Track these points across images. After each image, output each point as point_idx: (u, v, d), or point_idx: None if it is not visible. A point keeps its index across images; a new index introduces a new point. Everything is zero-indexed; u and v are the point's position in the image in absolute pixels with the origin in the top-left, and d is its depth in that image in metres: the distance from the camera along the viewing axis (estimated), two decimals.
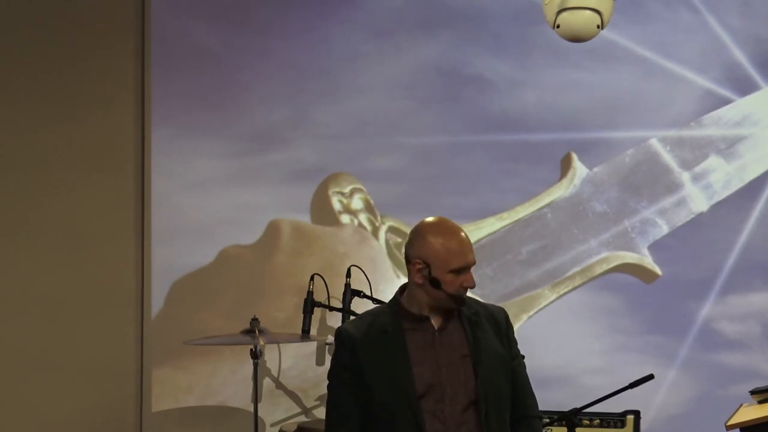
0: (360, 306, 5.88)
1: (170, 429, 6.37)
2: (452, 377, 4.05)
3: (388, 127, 6.44)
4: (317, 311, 6.10)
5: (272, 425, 6.32)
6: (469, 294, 4.15)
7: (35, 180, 6.39)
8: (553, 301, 6.40)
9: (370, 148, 6.45)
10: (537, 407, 4.19)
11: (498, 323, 4.16)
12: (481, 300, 4.31)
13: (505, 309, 4.27)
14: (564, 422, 4.49)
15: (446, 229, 4.08)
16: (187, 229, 6.40)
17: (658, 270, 6.39)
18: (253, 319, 5.90)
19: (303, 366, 6.35)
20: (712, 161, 6.41)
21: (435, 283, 4.04)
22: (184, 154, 6.42)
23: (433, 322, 4.09)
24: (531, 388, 4.20)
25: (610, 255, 6.40)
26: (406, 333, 4.07)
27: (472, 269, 4.15)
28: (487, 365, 4.06)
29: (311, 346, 6.32)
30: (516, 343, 4.21)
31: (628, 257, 6.40)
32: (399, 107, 6.45)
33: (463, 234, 4.07)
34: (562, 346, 6.34)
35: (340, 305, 6.00)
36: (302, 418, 6.28)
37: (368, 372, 4.05)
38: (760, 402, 5.30)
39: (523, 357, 4.24)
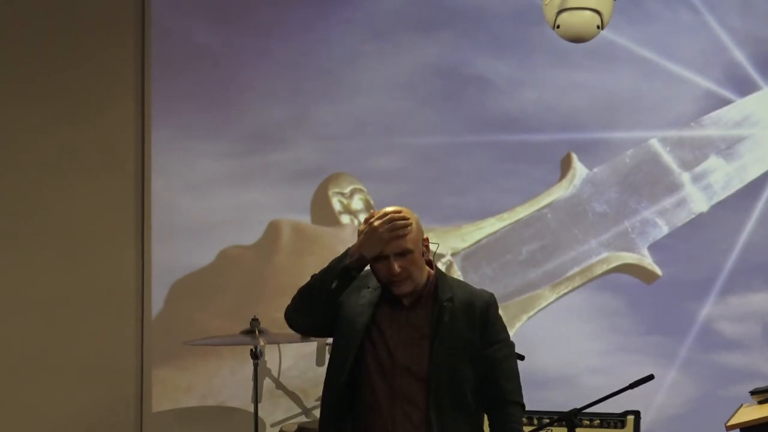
0: None
1: (170, 429, 6.38)
2: (407, 353, 4.16)
3: (388, 128, 6.45)
4: None
5: (272, 425, 6.33)
6: (459, 278, 4.24)
7: (35, 180, 6.39)
8: (553, 301, 6.40)
9: (370, 149, 6.45)
10: (516, 392, 4.22)
11: (473, 311, 4.21)
12: (469, 285, 4.31)
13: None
14: (564, 422, 4.48)
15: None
16: (188, 230, 6.40)
17: (658, 270, 6.39)
18: (253, 320, 5.90)
19: (303, 366, 6.35)
20: (712, 162, 6.41)
21: (373, 269, 4.22)
22: (185, 154, 6.43)
23: (403, 300, 4.20)
24: (513, 373, 4.24)
25: (610, 255, 6.40)
26: (382, 302, 4.21)
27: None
28: (444, 348, 4.14)
29: (311, 347, 6.32)
30: (497, 330, 4.24)
31: (628, 257, 6.40)
32: (399, 107, 6.45)
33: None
34: (562, 346, 6.34)
35: None
36: (302, 419, 6.28)
37: (343, 306, 4.23)
38: (760, 402, 5.30)
39: (512, 344, 4.26)
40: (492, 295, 4.28)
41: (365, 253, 4.14)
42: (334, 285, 4.16)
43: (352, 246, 4.17)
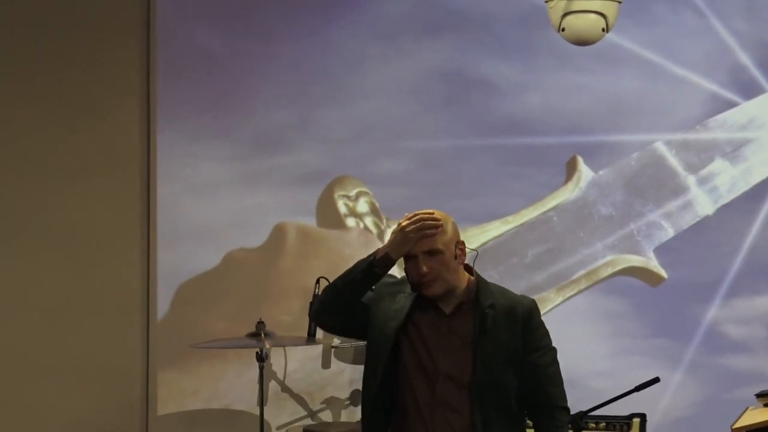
0: None
1: None
2: (449, 361, 4.17)
3: (393, 131, 6.45)
4: None
5: (278, 428, 6.33)
6: (497, 284, 4.26)
7: (41, 184, 6.39)
8: (558, 304, 6.40)
9: (376, 152, 6.45)
10: (560, 397, 4.27)
11: (514, 317, 4.21)
12: (509, 291, 4.31)
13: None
14: (570, 425, 4.49)
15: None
16: (193, 233, 6.41)
17: (663, 273, 6.39)
18: (258, 323, 5.90)
19: (309, 369, 6.35)
20: (718, 164, 6.41)
21: (406, 271, 4.23)
22: (190, 158, 6.43)
23: (442, 307, 4.21)
24: (557, 378, 4.29)
25: (615, 258, 6.40)
26: (422, 309, 4.21)
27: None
28: (487, 355, 4.15)
29: (317, 349, 6.32)
30: (539, 337, 4.28)
31: (634, 260, 6.39)
32: (404, 111, 6.45)
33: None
34: (567, 349, 6.26)
35: None
36: (308, 421, 6.28)
37: (374, 310, 4.25)
38: (766, 405, 5.31)
39: (554, 350, 4.31)
40: (533, 301, 4.30)
41: (392, 252, 4.15)
42: (358, 279, 4.17)
43: (382, 246, 4.20)
